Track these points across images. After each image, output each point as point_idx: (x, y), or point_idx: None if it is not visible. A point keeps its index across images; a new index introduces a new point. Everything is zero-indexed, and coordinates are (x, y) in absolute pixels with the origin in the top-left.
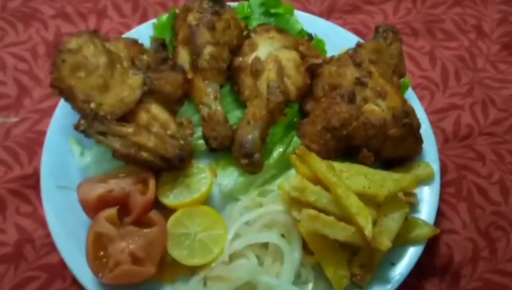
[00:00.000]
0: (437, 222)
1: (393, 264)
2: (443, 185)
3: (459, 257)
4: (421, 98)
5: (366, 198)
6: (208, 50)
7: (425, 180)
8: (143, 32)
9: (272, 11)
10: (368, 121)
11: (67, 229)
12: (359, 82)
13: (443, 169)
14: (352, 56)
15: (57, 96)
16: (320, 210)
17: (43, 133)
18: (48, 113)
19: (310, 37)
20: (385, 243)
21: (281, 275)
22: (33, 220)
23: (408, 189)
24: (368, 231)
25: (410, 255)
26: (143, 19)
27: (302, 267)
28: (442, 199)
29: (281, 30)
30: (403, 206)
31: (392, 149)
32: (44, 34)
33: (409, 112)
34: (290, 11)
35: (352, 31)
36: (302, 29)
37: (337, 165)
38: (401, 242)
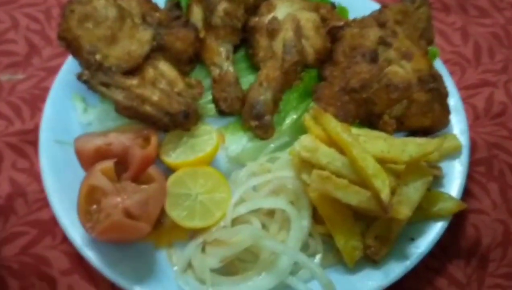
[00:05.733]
0: (464, 202)
1: (412, 239)
2: (472, 164)
3: (488, 240)
4: (451, 73)
5: (385, 166)
6: (222, 6)
7: (452, 154)
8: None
9: None
10: (391, 83)
11: (62, 183)
12: (383, 42)
13: (473, 147)
14: (376, 17)
15: (66, 55)
16: (333, 174)
17: (48, 90)
18: (55, 71)
19: (333, 5)
20: (404, 211)
21: (287, 242)
22: (28, 175)
23: (432, 157)
24: (384, 194)
25: (432, 231)
26: None
27: (311, 238)
28: (470, 177)
29: None
30: (425, 175)
31: (417, 117)
32: None
33: (437, 77)
34: None
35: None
36: None
37: (354, 129)
38: (423, 216)
